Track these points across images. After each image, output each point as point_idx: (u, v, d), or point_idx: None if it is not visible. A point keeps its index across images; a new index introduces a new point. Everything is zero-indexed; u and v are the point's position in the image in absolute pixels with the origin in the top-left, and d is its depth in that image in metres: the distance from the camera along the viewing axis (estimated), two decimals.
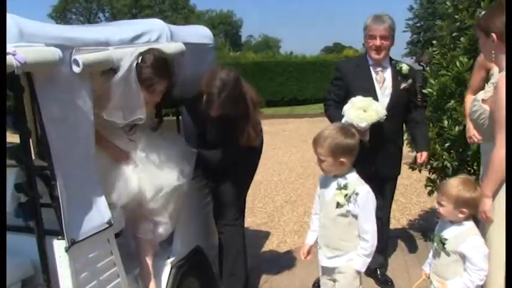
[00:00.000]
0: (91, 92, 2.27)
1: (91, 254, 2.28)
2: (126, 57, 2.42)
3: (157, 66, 2.53)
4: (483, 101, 2.46)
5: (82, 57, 2.12)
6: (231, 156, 3.14)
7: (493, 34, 2.33)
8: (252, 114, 3.04)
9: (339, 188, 2.53)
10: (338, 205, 2.52)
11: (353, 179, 2.54)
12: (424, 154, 3.51)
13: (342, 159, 2.48)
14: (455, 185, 2.39)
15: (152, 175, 2.69)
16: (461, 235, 2.36)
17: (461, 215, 2.37)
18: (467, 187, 2.36)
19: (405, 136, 3.79)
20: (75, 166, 2.22)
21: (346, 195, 2.49)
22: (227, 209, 3.31)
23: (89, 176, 2.32)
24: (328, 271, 2.67)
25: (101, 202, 2.37)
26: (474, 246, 2.31)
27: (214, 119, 2.93)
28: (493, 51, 2.39)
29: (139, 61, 2.47)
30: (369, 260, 2.54)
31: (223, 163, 3.15)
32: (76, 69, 2.12)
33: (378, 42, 3.35)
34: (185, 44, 2.89)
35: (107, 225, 2.37)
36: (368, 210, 2.50)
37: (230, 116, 2.92)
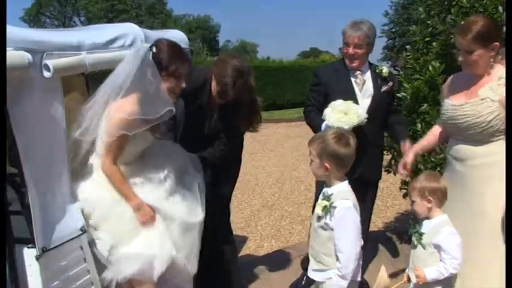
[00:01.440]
0: (63, 98, 2.23)
1: (63, 262, 2.24)
2: (131, 55, 2.41)
3: (175, 50, 2.52)
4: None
5: (53, 62, 2.09)
6: (235, 145, 3.15)
7: (496, 43, 2.47)
8: (256, 100, 3.06)
9: (323, 197, 2.40)
10: (318, 217, 2.40)
11: (339, 190, 2.37)
12: (407, 143, 3.46)
13: (327, 164, 2.33)
14: (418, 178, 2.60)
15: (182, 226, 2.61)
16: (435, 227, 2.52)
17: (428, 204, 2.51)
18: (430, 178, 2.56)
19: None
20: (47, 172, 2.19)
21: (325, 206, 2.34)
22: (226, 211, 3.29)
23: (62, 182, 2.28)
24: (316, 283, 2.53)
25: (74, 209, 2.33)
26: (447, 236, 2.47)
27: (219, 106, 2.92)
28: (492, 60, 2.53)
29: (154, 50, 2.43)
30: (343, 282, 2.31)
31: (226, 154, 3.09)
32: (47, 74, 2.08)
33: (350, 50, 3.33)
34: None
35: (80, 232, 2.33)
36: (344, 227, 2.30)
37: (237, 103, 2.89)
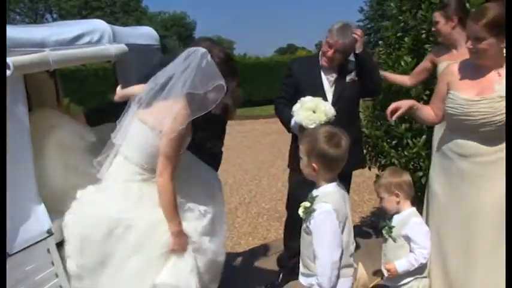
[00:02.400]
0: (25, 97, 2.15)
1: (28, 266, 2.16)
2: (187, 56, 2.34)
3: (230, 65, 2.50)
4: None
5: (13, 59, 2.00)
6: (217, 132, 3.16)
7: None
8: (235, 89, 3.01)
9: (308, 199, 2.25)
10: (302, 220, 2.28)
11: (324, 193, 2.21)
12: None
13: (314, 165, 2.18)
14: (383, 176, 2.74)
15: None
16: (404, 219, 2.61)
17: (396, 198, 2.62)
18: (393, 173, 2.71)
19: None
20: (9, 172, 2.10)
21: (306, 208, 2.21)
22: None
23: (26, 183, 2.21)
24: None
25: (40, 210, 2.26)
26: (414, 226, 2.58)
27: None
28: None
29: (209, 59, 2.36)
30: None
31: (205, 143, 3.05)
32: (6, 72, 2.00)
33: (330, 53, 3.27)
34: (128, 45, 2.80)
35: (47, 235, 2.26)
36: (321, 232, 2.14)
37: None
